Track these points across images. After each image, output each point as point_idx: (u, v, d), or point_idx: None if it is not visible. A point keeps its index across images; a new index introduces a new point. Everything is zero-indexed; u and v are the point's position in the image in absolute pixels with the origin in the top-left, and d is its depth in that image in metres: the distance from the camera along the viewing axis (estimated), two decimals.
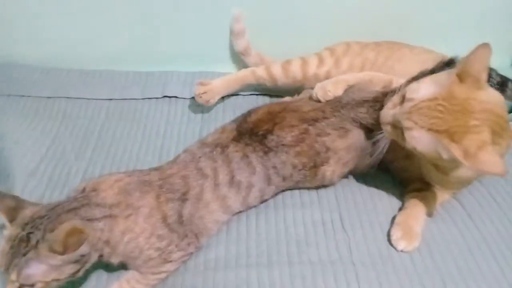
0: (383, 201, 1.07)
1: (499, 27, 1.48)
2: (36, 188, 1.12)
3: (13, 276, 0.78)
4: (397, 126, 0.91)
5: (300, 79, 1.27)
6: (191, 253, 0.97)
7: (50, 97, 1.41)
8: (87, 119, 1.35)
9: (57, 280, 0.81)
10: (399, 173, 1.11)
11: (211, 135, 1.04)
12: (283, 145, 1.01)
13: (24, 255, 0.78)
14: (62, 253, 0.78)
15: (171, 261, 0.93)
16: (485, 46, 0.86)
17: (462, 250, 0.96)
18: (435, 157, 0.88)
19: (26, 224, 0.80)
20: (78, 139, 1.27)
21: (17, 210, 0.82)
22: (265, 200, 1.07)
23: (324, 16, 1.41)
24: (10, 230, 0.80)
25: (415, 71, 1.03)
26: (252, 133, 1.02)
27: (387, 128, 0.94)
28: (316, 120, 1.04)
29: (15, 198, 0.85)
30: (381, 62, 1.22)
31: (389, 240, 0.98)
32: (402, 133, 0.89)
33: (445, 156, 0.85)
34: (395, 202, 1.07)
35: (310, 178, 1.06)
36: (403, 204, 1.05)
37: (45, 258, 0.78)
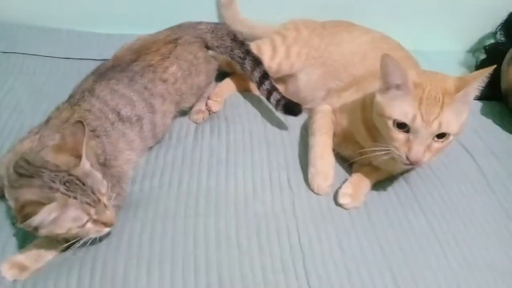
0: None
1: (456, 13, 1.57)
2: None
3: (104, 199, 0.83)
4: None
5: None
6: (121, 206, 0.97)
7: (7, 52, 1.40)
8: (43, 75, 1.35)
9: None
10: None
11: (75, 87, 1.06)
12: (150, 65, 1.07)
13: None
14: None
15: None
16: None
17: (396, 210, 1.03)
18: None
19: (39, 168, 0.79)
20: (33, 93, 1.27)
21: None
22: (160, 134, 1.11)
23: None
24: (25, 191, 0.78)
25: (350, 54, 1.21)
26: (112, 69, 1.06)
27: None
28: (176, 39, 1.16)
29: None
30: (323, 48, 1.28)
31: (335, 196, 1.03)
32: None
33: None
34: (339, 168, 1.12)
35: (186, 90, 1.15)
36: (350, 174, 1.09)
37: None
